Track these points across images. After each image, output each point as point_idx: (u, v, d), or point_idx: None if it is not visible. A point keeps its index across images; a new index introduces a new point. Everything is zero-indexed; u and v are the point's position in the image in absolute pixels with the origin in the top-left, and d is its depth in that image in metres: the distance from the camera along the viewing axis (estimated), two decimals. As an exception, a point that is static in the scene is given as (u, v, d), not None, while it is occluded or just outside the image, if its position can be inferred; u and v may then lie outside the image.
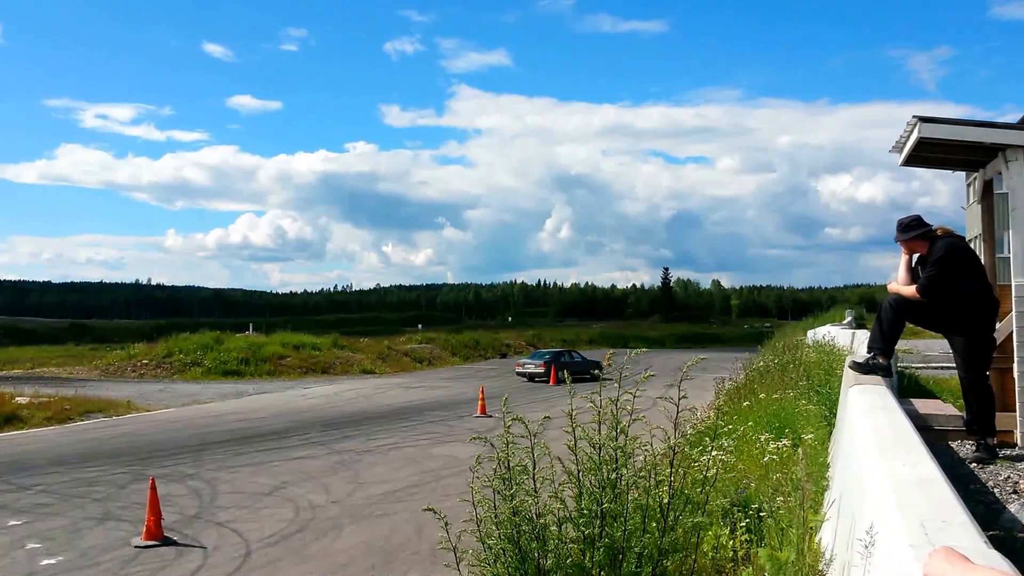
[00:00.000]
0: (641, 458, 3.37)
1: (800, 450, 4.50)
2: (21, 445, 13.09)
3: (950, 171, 7.62)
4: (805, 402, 6.70)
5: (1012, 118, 6.86)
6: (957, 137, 5.59)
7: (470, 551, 3.25)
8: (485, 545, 3.19)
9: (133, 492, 9.17)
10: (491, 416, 15.47)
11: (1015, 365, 5.52)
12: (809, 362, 9.03)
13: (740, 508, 4.28)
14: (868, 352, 5.08)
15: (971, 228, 8.23)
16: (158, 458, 11.47)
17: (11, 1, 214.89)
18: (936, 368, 13.02)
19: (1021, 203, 5.42)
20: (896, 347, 5.61)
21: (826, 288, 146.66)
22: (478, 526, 3.22)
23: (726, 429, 6.36)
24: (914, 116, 5.67)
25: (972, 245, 6.49)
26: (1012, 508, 4.21)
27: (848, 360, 5.67)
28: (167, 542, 7.09)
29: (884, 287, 5.59)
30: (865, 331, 10.19)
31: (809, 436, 5.23)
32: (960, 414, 5.81)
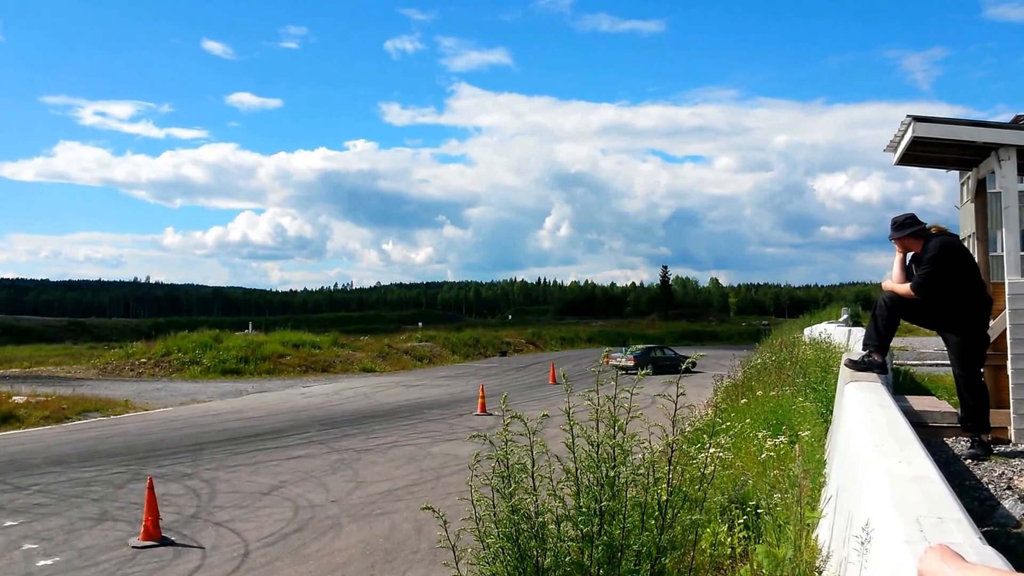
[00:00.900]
0: (639, 456, 3.38)
1: (797, 447, 4.52)
2: (18, 444, 13.07)
3: (944, 170, 7.65)
4: (802, 399, 6.73)
5: (1005, 118, 6.91)
6: (951, 136, 5.63)
7: (469, 550, 3.26)
8: (484, 544, 3.21)
9: (131, 492, 9.16)
10: (491, 414, 15.49)
11: (1008, 362, 5.56)
12: (806, 360, 9.06)
13: (738, 505, 4.30)
14: (864, 349, 5.11)
15: (965, 226, 8.28)
16: (156, 457, 11.46)
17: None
18: (931, 365, 13.07)
19: (1013, 201, 5.46)
20: (891, 344, 5.64)
21: (822, 286, 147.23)
22: (477, 524, 3.24)
23: (724, 426, 6.38)
24: (908, 116, 5.70)
25: (966, 243, 6.52)
26: (1006, 504, 4.24)
27: (844, 357, 5.69)
28: (165, 542, 7.07)
29: (879, 285, 5.63)
30: (861, 329, 10.22)
31: (806, 433, 5.25)
32: (955, 411, 5.84)
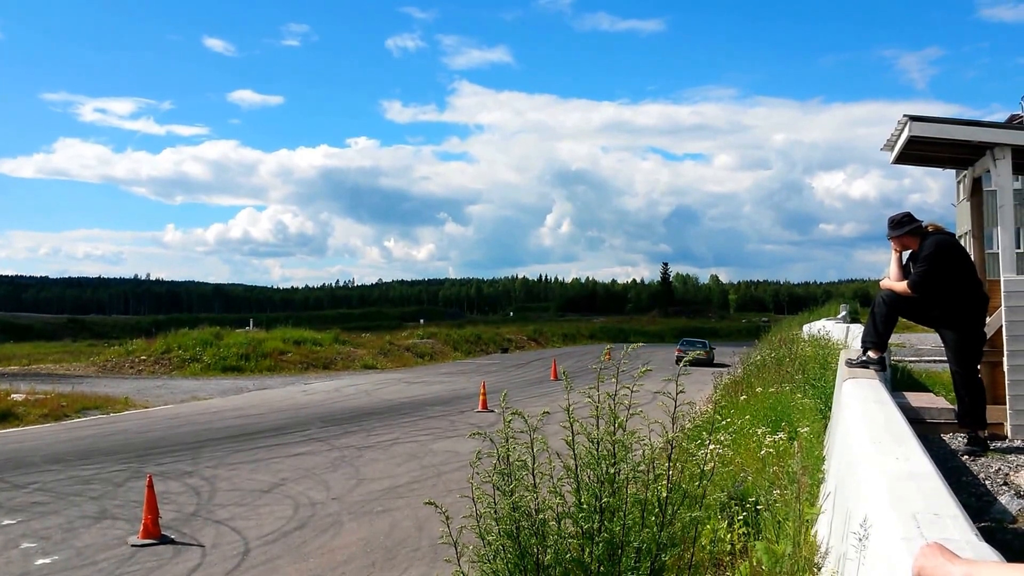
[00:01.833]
0: (639, 452, 3.40)
1: (796, 443, 4.55)
2: (16, 442, 13.06)
3: (940, 169, 7.68)
4: (801, 396, 6.75)
5: (1000, 117, 6.91)
6: (946, 135, 5.66)
7: (470, 547, 3.28)
8: (485, 541, 3.22)
9: (130, 490, 9.16)
10: (492, 411, 15.51)
11: (1004, 359, 5.59)
12: (805, 356, 9.09)
13: (737, 501, 4.33)
14: (862, 347, 5.14)
15: (961, 224, 8.32)
16: (156, 455, 11.47)
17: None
18: (928, 362, 13.11)
19: (1008, 200, 5.49)
20: (889, 341, 5.67)
21: (821, 283, 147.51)
22: (478, 522, 3.26)
23: (723, 423, 6.41)
24: (905, 115, 5.73)
25: (962, 241, 6.56)
26: (1003, 499, 4.27)
27: (842, 354, 5.72)
28: (164, 540, 7.05)
29: (877, 282, 5.65)
30: (859, 326, 10.27)
31: (805, 429, 5.28)
32: (952, 407, 5.87)
